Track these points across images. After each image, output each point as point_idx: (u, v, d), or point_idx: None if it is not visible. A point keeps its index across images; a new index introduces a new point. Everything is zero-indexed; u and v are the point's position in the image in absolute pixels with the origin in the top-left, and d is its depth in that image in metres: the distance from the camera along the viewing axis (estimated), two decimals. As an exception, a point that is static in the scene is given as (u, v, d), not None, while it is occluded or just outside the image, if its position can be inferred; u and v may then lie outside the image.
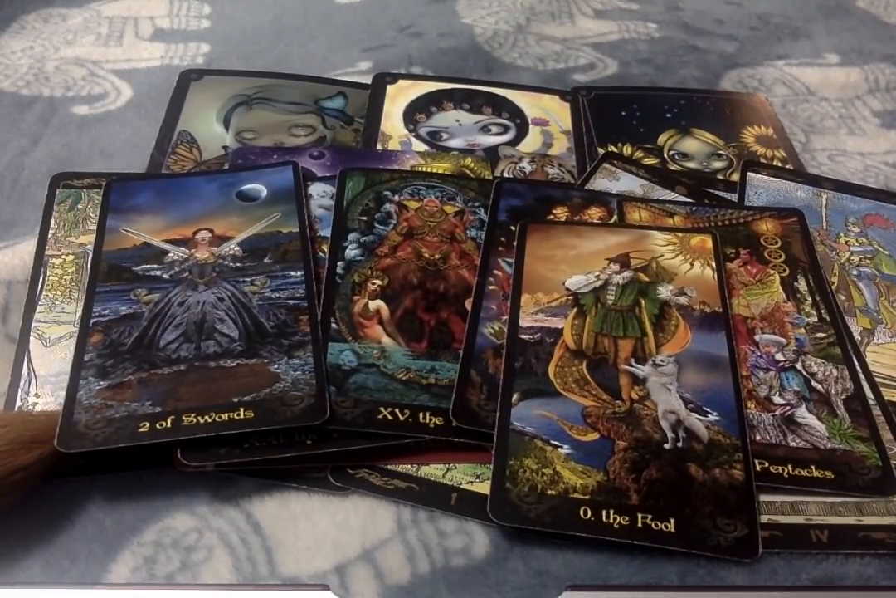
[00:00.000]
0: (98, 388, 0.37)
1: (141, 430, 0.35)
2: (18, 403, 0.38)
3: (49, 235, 0.45)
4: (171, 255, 0.43)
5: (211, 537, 0.35)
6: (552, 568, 0.34)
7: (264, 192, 0.47)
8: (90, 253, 0.44)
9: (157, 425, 0.35)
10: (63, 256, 0.44)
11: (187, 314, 0.40)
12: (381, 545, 0.35)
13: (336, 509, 0.36)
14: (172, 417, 0.36)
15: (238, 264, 0.43)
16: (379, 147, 0.54)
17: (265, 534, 0.35)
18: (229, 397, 0.36)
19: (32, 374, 0.39)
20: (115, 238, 0.44)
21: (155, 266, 0.43)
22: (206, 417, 0.36)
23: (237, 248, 0.44)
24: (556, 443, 0.36)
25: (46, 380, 0.39)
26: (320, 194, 0.49)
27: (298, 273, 0.43)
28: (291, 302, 0.41)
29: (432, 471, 0.37)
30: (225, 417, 0.36)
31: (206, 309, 0.41)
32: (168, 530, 0.35)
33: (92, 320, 0.40)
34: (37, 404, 0.38)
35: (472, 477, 0.37)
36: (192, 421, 0.35)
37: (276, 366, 0.38)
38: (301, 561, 0.34)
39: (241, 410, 0.36)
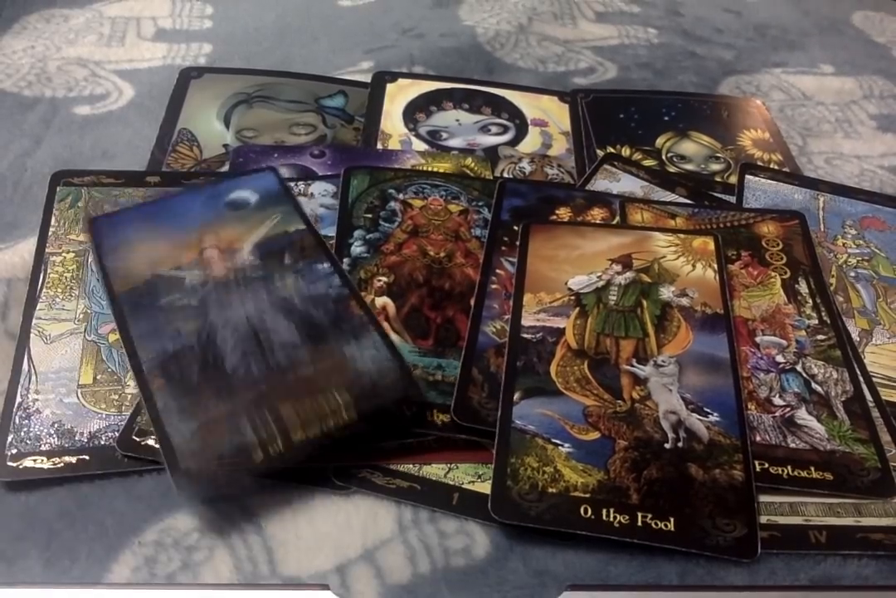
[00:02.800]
0: (190, 430, 0.34)
1: (255, 458, 0.34)
2: (18, 399, 0.38)
3: (49, 233, 0.45)
4: (187, 280, 0.41)
5: (212, 536, 0.35)
6: (552, 568, 0.34)
7: (253, 197, 0.46)
8: (90, 252, 0.43)
9: (270, 451, 0.34)
10: (63, 254, 0.44)
11: (237, 333, 0.38)
12: (381, 545, 0.35)
13: (337, 509, 0.36)
14: (280, 438, 0.34)
15: (260, 272, 0.42)
16: (379, 146, 0.54)
17: (266, 534, 0.35)
18: (325, 400, 0.35)
19: (33, 371, 0.39)
20: (122, 277, 0.41)
21: (177, 295, 0.40)
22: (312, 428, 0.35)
23: (251, 257, 0.43)
24: (557, 442, 0.36)
25: (46, 377, 0.39)
26: (322, 193, 0.49)
27: (325, 265, 0.42)
28: (331, 292, 0.40)
29: (434, 471, 0.37)
30: (331, 423, 0.35)
31: (253, 322, 0.39)
32: (169, 529, 0.35)
33: (144, 367, 0.37)
34: (37, 400, 0.38)
35: (473, 477, 0.37)
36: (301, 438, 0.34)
37: (348, 353, 0.37)
38: (302, 561, 0.34)
39: (343, 412, 0.35)
